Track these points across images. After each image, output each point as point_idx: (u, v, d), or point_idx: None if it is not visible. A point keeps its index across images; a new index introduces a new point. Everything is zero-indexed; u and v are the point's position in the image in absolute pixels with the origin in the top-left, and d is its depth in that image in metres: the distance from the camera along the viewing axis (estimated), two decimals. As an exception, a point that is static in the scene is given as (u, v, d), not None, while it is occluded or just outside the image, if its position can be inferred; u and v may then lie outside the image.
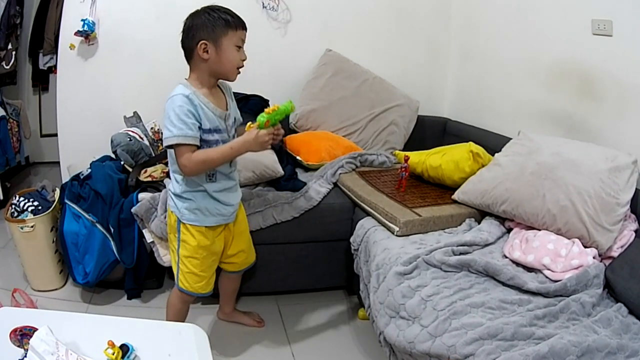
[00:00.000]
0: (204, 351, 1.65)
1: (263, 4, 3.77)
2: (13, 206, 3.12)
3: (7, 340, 1.50)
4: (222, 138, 2.23)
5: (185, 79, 2.23)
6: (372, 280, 2.35)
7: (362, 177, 3.14)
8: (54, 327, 1.51)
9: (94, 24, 3.45)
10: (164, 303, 2.54)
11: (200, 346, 1.67)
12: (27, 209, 3.08)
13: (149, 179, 3.11)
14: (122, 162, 3.27)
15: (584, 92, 2.88)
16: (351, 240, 2.80)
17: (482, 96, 3.85)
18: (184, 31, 2.22)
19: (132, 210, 2.86)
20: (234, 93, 2.42)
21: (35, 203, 3.12)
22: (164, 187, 2.93)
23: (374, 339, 2.44)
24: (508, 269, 2.18)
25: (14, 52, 4.48)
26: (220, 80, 2.33)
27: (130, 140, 3.31)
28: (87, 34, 3.44)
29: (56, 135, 3.74)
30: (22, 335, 1.51)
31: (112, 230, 2.95)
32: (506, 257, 2.35)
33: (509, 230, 2.63)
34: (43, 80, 5.31)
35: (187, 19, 2.23)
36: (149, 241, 2.92)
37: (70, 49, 3.51)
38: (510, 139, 2.88)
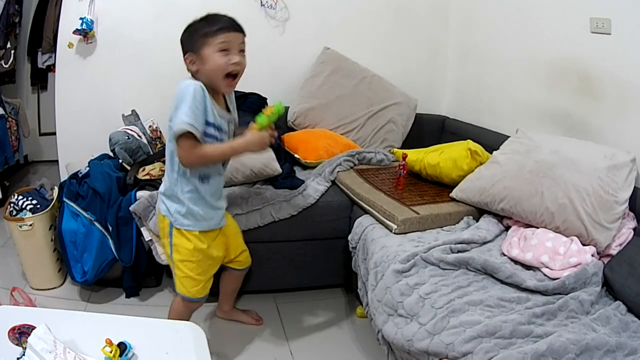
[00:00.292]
0: (202, 349, 1.65)
1: (261, 2, 3.77)
2: (12, 205, 3.12)
3: (6, 339, 1.50)
4: (221, 137, 2.22)
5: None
6: (370, 278, 2.35)
7: (360, 175, 3.14)
8: (52, 325, 1.51)
9: (92, 22, 3.45)
10: (162, 301, 2.55)
11: (198, 344, 1.66)
12: (25, 208, 3.08)
13: (147, 177, 3.11)
14: (120, 161, 3.27)
15: (582, 91, 2.88)
16: (349, 238, 2.80)
17: (480, 94, 3.86)
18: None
19: (130, 208, 2.86)
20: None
21: (34, 201, 3.11)
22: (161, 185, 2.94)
23: (372, 337, 2.44)
24: (506, 267, 2.18)
25: (12, 51, 4.49)
26: None
27: (129, 138, 3.31)
28: (86, 32, 3.43)
29: (55, 133, 3.73)
30: (20, 334, 1.51)
31: (110, 228, 2.95)
32: (504, 255, 2.36)
33: (507, 228, 2.63)
34: (42, 78, 5.31)
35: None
36: (147, 239, 2.92)
37: (69, 47, 3.51)
38: (509, 137, 2.89)
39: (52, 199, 3.19)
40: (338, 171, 3.18)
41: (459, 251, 2.32)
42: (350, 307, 3.19)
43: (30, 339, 1.43)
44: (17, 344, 1.50)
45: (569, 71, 2.97)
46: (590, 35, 2.78)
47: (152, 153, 3.41)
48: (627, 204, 2.37)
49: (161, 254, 2.88)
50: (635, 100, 2.57)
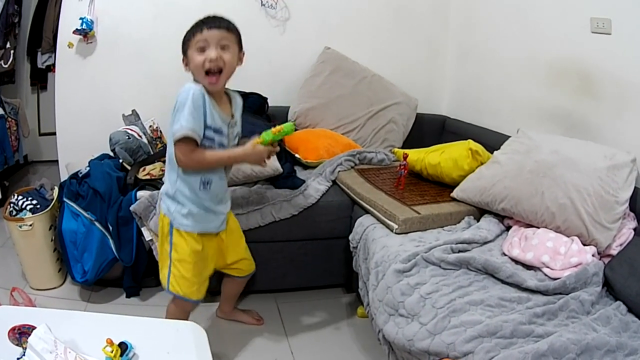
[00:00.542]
0: (203, 349, 1.65)
1: (261, 2, 3.77)
2: (11, 205, 3.12)
3: (6, 339, 1.50)
4: (221, 141, 2.22)
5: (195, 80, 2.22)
6: (371, 278, 2.35)
7: (361, 175, 3.14)
8: (53, 325, 1.51)
9: (92, 22, 3.45)
10: (163, 301, 2.54)
11: (199, 344, 1.67)
12: (25, 208, 3.08)
13: (148, 177, 3.11)
14: (120, 160, 3.27)
15: (582, 91, 2.88)
16: (350, 238, 2.80)
17: (480, 94, 3.86)
18: None
19: (131, 208, 2.86)
20: (233, 90, 2.41)
21: (34, 202, 3.11)
22: (163, 185, 2.93)
23: (372, 337, 2.44)
24: (507, 267, 2.18)
25: (12, 51, 4.48)
26: (231, 92, 2.36)
27: (129, 138, 3.31)
28: (86, 32, 3.43)
29: (55, 133, 3.73)
30: (20, 334, 1.51)
31: (110, 228, 2.95)
32: (505, 255, 2.36)
33: (508, 228, 2.63)
34: (41, 78, 5.31)
35: None
36: (147, 239, 2.92)
37: (69, 47, 3.51)
38: (509, 137, 2.89)
39: (52, 199, 3.19)
40: (339, 171, 3.18)
41: (459, 251, 2.32)
42: (351, 307, 3.19)
43: (30, 339, 1.43)
44: (17, 344, 1.50)
45: (569, 71, 2.96)
46: (591, 35, 2.78)
47: (152, 153, 3.41)
48: (627, 204, 2.37)
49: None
50: (635, 100, 2.57)
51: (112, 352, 1.46)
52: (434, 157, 2.96)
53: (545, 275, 2.18)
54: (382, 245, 2.44)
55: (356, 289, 2.74)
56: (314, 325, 3.02)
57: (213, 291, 2.84)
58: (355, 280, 2.78)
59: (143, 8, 3.59)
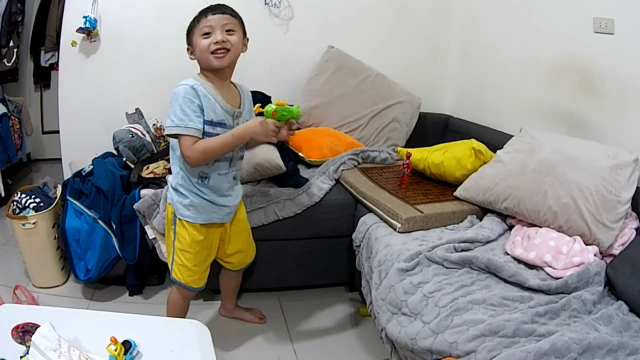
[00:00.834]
0: (207, 347, 1.65)
1: (265, 0, 3.77)
2: (15, 203, 3.13)
3: (9, 337, 1.50)
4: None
5: (198, 73, 2.25)
6: (374, 277, 2.35)
7: (364, 174, 3.14)
8: (56, 323, 1.51)
9: (95, 21, 3.45)
10: (166, 299, 2.55)
11: (203, 342, 1.67)
12: (28, 206, 3.08)
13: (151, 175, 3.12)
14: (124, 159, 3.27)
15: (585, 90, 2.88)
16: (353, 236, 2.80)
17: (483, 93, 3.86)
18: None
19: (134, 206, 2.86)
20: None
21: (37, 200, 3.12)
22: (166, 183, 2.93)
23: (375, 336, 2.45)
24: (510, 266, 2.18)
25: (15, 49, 4.48)
26: (239, 84, 2.38)
27: (133, 136, 3.32)
28: (89, 30, 3.44)
29: (58, 132, 3.74)
30: (24, 332, 1.51)
31: (114, 226, 2.95)
32: (508, 254, 2.36)
33: (511, 227, 2.63)
34: (44, 77, 5.31)
35: None
36: (150, 237, 2.92)
37: (72, 45, 3.51)
38: (512, 136, 2.89)
39: (56, 197, 3.20)
40: (342, 170, 3.18)
41: (462, 250, 2.32)
42: (353, 305, 3.19)
43: (34, 338, 1.43)
44: (20, 343, 1.50)
45: (572, 70, 2.96)
46: (594, 35, 2.78)
47: (156, 151, 3.41)
48: (629, 204, 2.36)
49: (165, 252, 2.88)
50: (637, 99, 2.57)
51: (115, 350, 1.46)
52: (437, 156, 2.96)
53: (548, 274, 2.18)
54: (385, 244, 2.45)
55: (359, 287, 2.74)
56: (316, 324, 3.02)
57: (215, 290, 2.84)
58: (358, 279, 2.79)
59: (146, 7, 3.59)
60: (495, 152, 2.81)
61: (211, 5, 2.21)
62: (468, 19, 4.03)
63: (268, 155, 3.00)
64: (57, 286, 3.21)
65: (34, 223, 3.00)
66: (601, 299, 2.09)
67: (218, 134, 2.18)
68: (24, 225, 2.99)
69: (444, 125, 4.09)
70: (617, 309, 2.02)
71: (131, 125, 3.45)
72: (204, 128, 2.15)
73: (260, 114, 2.15)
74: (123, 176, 3.09)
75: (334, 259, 3.10)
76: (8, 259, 3.48)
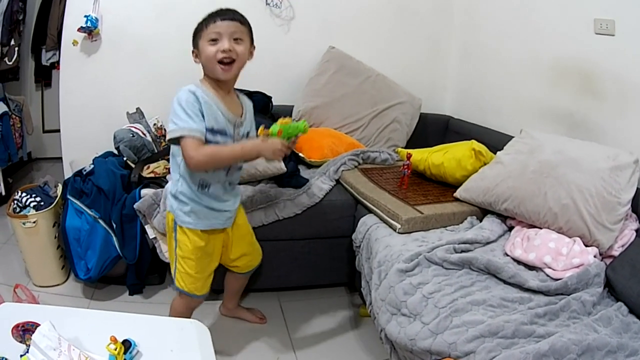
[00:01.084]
0: (206, 347, 1.65)
1: (266, 1, 3.78)
2: (15, 202, 3.13)
3: (9, 336, 1.50)
4: (225, 142, 2.21)
5: (200, 80, 2.23)
6: (374, 277, 2.35)
7: (364, 174, 3.14)
8: (56, 322, 1.51)
9: (97, 20, 3.46)
10: (166, 299, 2.55)
11: (203, 342, 1.67)
12: (29, 205, 3.08)
13: (152, 175, 3.12)
14: (124, 158, 3.28)
15: (585, 91, 2.88)
16: (353, 237, 2.80)
17: (484, 94, 3.86)
18: None
19: (135, 206, 2.86)
20: (237, 89, 2.41)
21: (38, 199, 3.12)
22: (167, 183, 2.94)
23: (375, 336, 2.45)
24: (509, 267, 2.18)
25: (16, 48, 4.48)
26: (241, 95, 2.38)
27: (133, 136, 3.32)
28: (90, 30, 3.44)
29: (59, 131, 3.75)
30: (24, 331, 1.51)
31: (114, 226, 2.96)
32: (507, 255, 2.36)
33: (511, 228, 2.64)
34: (45, 76, 5.31)
35: None
36: (151, 237, 2.92)
37: (73, 45, 3.52)
38: (512, 137, 2.89)
39: (56, 196, 3.20)
40: (342, 170, 3.19)
41: (462, 251, 2.32)
42: (353, 306, 3.19)
43: (34, 337, 1.43)
44: (20, 342, 1.50)
45: (572, 71, 2.97)
46: (594, 36, 2.79)
47: (156, 151, 3.42)
48: (629, 205, 2.36)
49: (165, 252, 2.88)
50: (638, 101, 2.57)
51: (115, 349, 1.47)
52: (437, 157, 2.96)
53: (547, 275, 2.18)
54: (385, 244, 2.45)
55: (359, 288, 2.74)
56: (316, 324, 3.02)
57: (216, 289, 2.84)
58: (358, 279, 2.79)
59: (147, 6, 3.59)
60: (495, 153, 2.82)
61: (221, 10, 2.16)
62: (468, 19, 4.04)
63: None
64: (58, 285, 3.21)
65: (34, 222, 3.00)
66: (601, 300, 2.10)
67: (218, 141, 2.17)
68: (24, 224, 2.99)
69: (445, 126, 4.10)
70: (617, 310, 2.02)
71: (132, 125, 3.46)
72: (205, 136, 2.13)
73: (266, 134, 2.17)
74: (123, 176, 3.09)
75: (334, 260, 3.10)
76: (8, 258, 3.48)
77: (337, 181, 3.15)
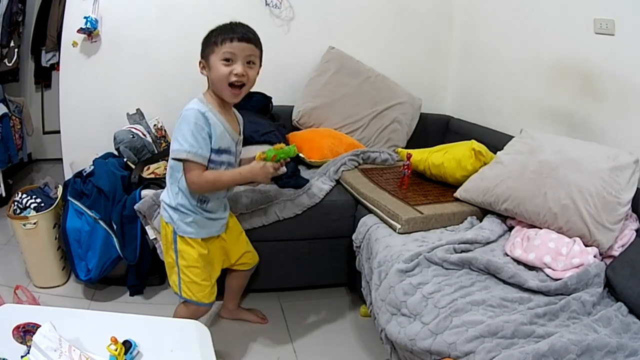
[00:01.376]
0: (206, 347, 1.66)
1: (266, 1, 3.78)
2: (15, 203, 3.13)
3: (10, 337, 1.51)
4: (229, 160, 2.27)
5: (203, 93, 2.23)
6: (374, 278, 2.35)
7: (364, 175, 3.14)
8: (57, 323, 1.52)
9: (96, 21, 3.46)
10: (166, 299, 2.55)
11: (203, 342, 1.68)
12: (29, 206, 3.08)
13: (152, 175, 3.12)
14: (125, 159, 3.27)
15: (585, 91, 2.88)
16: (353, 237, 2.80)
17: (484, 94, 3.86)
18: None
19: (135, 207, 2.86)
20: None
21: (38, 200, 3.12)
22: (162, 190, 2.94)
23: (375, 336, 2.45)
24: (509, 267, 2.19)
25: (16, 50, 4.48)
26: (236, 112, 2.39)
27: (133, 137, 3.32)
28: (90, 31, 3.44)
29: (59, 132, 3.75)
30: (25, 332, 1.51)
31: (114, 227, 2.96)
32: (507, 255, 2.36)
33: (511, 228, 2.64)
34: (45, 77, 5.31)
35: None
36: (151, 238, 2.92)
37: (73, 46, 3.52)
38: (513, 137, 2.89)
39: (57, 198, 3.20)
40: (342, 170, 3.19)
41: (462, 251, 2.33)
42: (353, 306, 3.19)
43: (35, 338, 1.44)
44: (21, 343, 1.51)
45: (572, 71, 2.97)
46: (594, 36, 2.79)
47: (157, 152, 3.42)
48: (629, 205, 2.37)
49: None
50: (638, 101, 2.58)
51: (116, 350, 1.47)
52: (437, 157, 2.96)
53: (547, 275, 2.18)
54: (385, 244, 2.45)
55: (359, 288, 2.74)
56: (317, 324, 3.03)
57: (217, 290, 2.85)
58: (358, 280, 2.79)
59: (147, 7, 3.59)
60: (495, 153, 2.82)
61: (236, 26, 2.15)
62: (468, 19, 4.04)
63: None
64: (58, 286, 3.21)
65: (34, 223, 3.00)
66: (600, 301, 2.10)
67: (223, 161, 2.22)
68: (24, 225, 2.99)
69: (445, 126, 4.10)
70: (617, 310, 2.03)
71: (132, 126, 3.46)
72: (210, 155, 2.16)
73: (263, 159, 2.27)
74: (124, 177, 3.09)
75: (334, 260, 3.10)
76: (9, 259, 3.48)
77: (337, 181, 3.15)
